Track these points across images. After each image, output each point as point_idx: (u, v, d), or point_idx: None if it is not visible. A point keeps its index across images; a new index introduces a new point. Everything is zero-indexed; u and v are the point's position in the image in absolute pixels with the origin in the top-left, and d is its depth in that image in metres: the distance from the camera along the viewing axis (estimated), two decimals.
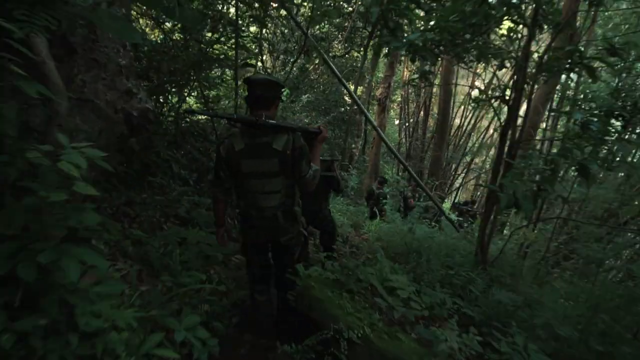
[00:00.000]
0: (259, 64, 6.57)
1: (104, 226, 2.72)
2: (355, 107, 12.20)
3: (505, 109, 4.74)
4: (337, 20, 11.23)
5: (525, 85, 4.44)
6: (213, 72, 6.61)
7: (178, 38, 5.60)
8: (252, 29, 7.44)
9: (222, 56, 5.53)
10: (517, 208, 2.72)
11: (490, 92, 4.95)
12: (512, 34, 4.39)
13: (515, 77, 4.61)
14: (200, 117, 7.02)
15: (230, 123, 2.24)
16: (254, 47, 6.97)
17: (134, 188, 3.50)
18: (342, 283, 2.55)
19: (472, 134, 18.02)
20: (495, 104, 6.21)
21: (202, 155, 5.31)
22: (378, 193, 9.85)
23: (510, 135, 4.27)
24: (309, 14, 7.36)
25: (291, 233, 2.45)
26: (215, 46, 5.87)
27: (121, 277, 2.22)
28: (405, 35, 4.84)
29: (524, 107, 5.19)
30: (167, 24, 5.72)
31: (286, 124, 2.26)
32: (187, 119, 6.36)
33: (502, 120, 4.56)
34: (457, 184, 18.83)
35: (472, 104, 5.05)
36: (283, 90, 2.45)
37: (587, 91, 8.07)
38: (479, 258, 4.41)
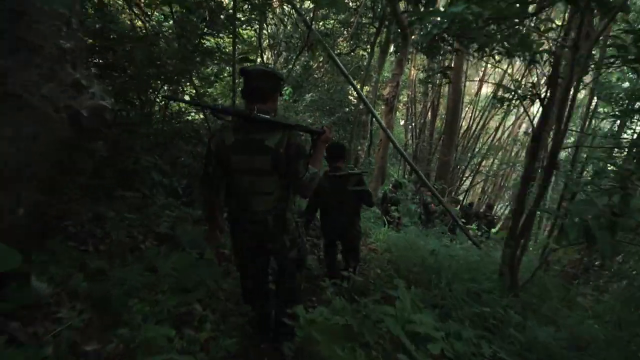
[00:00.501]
0: (259, 59, 6.01)
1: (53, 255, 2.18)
2: (362, 107, 11.63)
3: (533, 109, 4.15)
4: (343, 15, 10.66)
5: (561, 81, 3.88)
6: (209, 68, 6.06)
7: (167, 28, 5.05)
8: (254, 25, 6.90)
9: (217, 51, 4.98)
10: (588, 242, 2.10)
11: (520, 90, 4.36)
12: (548, 23, 3.81)
13: (551, 71, 4.01)
14: (194, 117, 6.46)
15: (219, 116, 2.12)
16: (253, 40, 6.42)
17: (105, 201, 2.95)
18: (355, 332, 1.98)
19: (481, 135, 17.41)
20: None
21: (194, 160, 4.75)
22: (391, 197, 9.29)
23: (553, 140, 3.67)
24: (313, 6, 6.80)
25: (281, 241, 2.24)
26: (210, 39, 5.32)
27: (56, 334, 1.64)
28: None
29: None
30: (156, 12, 5.16)
31: (281, 120, 2.10)
32: (178, 121, 5.82)
33: (533, 122, 3.96)
34: (464, 187, 18.27)
35: (496, 103, 4.42)
36: (283, 84, 2.26)
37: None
38: (506, 282, 3.83)
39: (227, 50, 5.91)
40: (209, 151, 2.15)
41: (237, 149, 2.06)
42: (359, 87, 9.55)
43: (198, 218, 4.06)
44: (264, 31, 5.95)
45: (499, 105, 16.83)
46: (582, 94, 10.09)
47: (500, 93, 4.23)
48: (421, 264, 4.50)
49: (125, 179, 3.23)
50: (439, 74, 13.50)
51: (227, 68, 6.14)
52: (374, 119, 14.96)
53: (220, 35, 5.42)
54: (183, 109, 6.17)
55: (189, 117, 5.90)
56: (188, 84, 5.04)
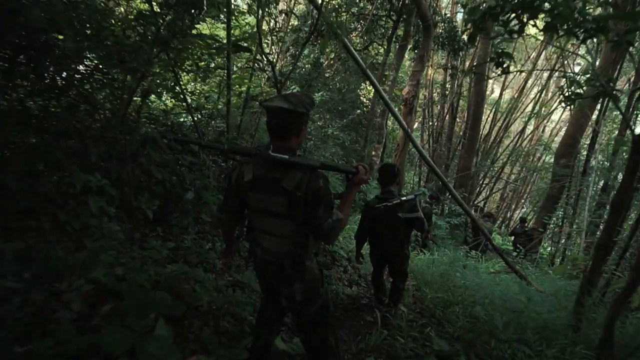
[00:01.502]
0: (258, 49, 4.99)
1: None
2: (376, 109, 10.58)
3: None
4: (356, 8, 9.64)
5: None
6: (202, 62, 5.06)
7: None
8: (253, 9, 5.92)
9: (204, 36, 3.96)
10: None
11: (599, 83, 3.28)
12: None
13: None
14: (183, 120, 5.48)
15: (230, 157, 2.09)
16: (252, 27, 5.41)
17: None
18: None
19: (502, 139, 16.24)
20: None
21: (174, 175, 3.74)
22: (424, 208, 8.23)
23: None
24: None
25: (295, 289, 2.01)
26: (202, 26, 4.35)
27: None
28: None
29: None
30: None
31: (300, 161, 1.85)
32: (161, 123, 4.83)
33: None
34: (483, 194, 17.10)
35: (562, 102, 3.34)
36: (310, 112, 1.97)
37: None
38: (600, 350, 2.74)
39: (221, 37, 4.94)
40: (229, 183, 2.06)
41: (254, 187, 1.95)
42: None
43: (171, 256, 3.06)
44: (267, 18, 4.94)
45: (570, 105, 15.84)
46: None
47: (565, 87, 3.07)
48: (465, 313, 3.44)
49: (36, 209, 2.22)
50: (459, 74, 12.44)
51: (221, 60, 5.15)
52: (388, 122, 13.94)
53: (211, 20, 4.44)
54: (168, 110, 5.19)
55: (169, 122, 4.89)
56: (166, 76, 4.04)
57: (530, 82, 15.68)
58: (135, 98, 4.73)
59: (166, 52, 3.65)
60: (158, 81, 4.27)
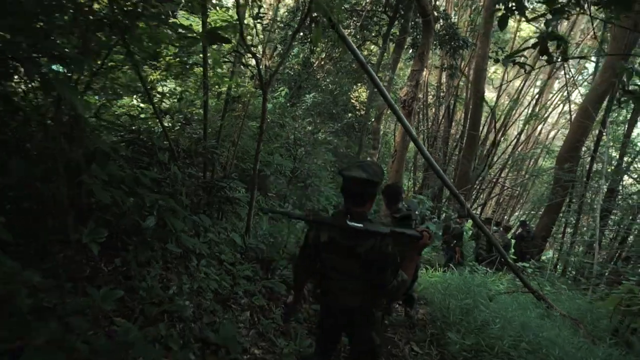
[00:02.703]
0: (240, 41, 4.21)
1: None
2: (373, 112, 9.87)
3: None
4: (349, 3, 8.92)
5: None
6: (171, 58, 4.27)
7: None
8: None
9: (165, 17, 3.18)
10: None
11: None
12: None
13: None
14: (148, 125, 4.67)
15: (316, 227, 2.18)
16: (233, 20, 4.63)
17: None
18: None
19: (500, 143, 15.66)
20: None
21: (131, 196, 2.93)
22: (454, 229, 7.98)
23: None
24: None
25: (368, 335, 2.22)
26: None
27: None
28: None
29: None
30: None
31: (375, 229, 1.97)
32: (129, 130, 4.04)
33: None
34: (480, 200, 16.49)
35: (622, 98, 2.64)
36: (380, 182, 2.07)
37: None
38: None
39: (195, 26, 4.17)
40: (307, 240, 2.21)
41: (329, 249, 2.09)
42: (366, 91, 7.78)
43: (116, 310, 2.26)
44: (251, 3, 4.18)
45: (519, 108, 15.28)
46: None
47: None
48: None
49: None
50: (456, 74, 11.81)
51: (198, 56, 4.37)
52: (381, 126, 13.29)
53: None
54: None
55: (137, 128, 4.10)
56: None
57: (527, 83, 15.14)
58: (93, 99, 3.96)
59: (123, 39, 2.86)
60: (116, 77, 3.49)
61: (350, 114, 11.46)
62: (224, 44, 3.86)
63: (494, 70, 17.32)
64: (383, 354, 3.40)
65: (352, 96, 12.19)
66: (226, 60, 4.36)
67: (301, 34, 9.11)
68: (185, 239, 2.97)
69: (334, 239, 2.06)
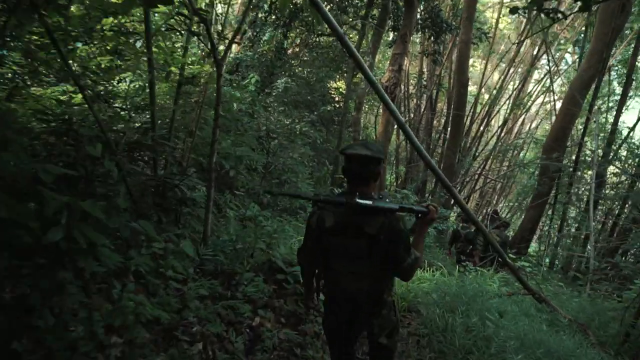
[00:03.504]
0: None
1: None
2: (352, 102, 9.18)
3: None
4: None
5: None
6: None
7: None
8: None
9: None
10: None
11: None
12: None
13: None
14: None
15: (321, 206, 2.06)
16: None
17: None
18: None
19: (484, 134, 15.23)
20: None
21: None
22: (466, 234, 7.41)
23: None
24: None
25: (379, 325, 2.15)
26: None
27: None
28: None
29: None
30: None
31: (383, 205, 1.91)
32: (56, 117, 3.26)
33: None
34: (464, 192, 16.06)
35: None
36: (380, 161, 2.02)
37: None
38: None
39: None
40: (310, 227, 2.12)
41: (335, 232, 2.02)
42: (346, 77, 7.12)
43: None
44: None
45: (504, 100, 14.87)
46: None
47: None
48: None
49: None
50: (439, 60, 11.24)
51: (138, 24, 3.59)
52: (364, 119, 12.59)
53: None
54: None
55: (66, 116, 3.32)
56: None
57: (510, 72, 14.71)
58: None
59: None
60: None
61: (329, 106, 10.81)
62: (166, 7, 3.09)
63: (472, 63, 16.86)
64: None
65: (330, 87, 11.51)
66: (171, 27, 3.58)
67: (273, 17, 8.36)
68: (107, 255, 2.21)
69: (340, 221, 1.99)
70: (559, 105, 14.06)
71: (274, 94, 7.42)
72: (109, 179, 3.13)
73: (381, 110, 8.91)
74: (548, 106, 16.52)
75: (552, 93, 13.36)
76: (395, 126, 15.21)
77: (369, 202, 1.89)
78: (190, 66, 3.87)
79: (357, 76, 9.04)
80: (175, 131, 4.13)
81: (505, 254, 5.32)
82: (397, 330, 2.23)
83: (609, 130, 10.90)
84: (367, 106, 16.26)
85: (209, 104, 4.80)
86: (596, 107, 10.49)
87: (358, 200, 1.88)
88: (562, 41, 15.22)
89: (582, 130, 11.01)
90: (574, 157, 11.28)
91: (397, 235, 1.93)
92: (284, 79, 7.59)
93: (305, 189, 7.61)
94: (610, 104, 12.52)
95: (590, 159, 10.24)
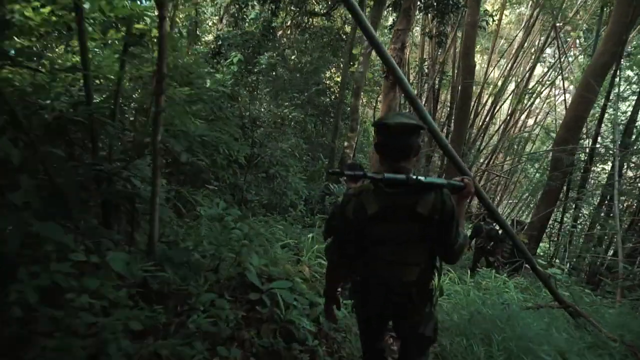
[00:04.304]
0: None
1: None
2: (350, 87, 8.26)
3: None
4: None
5: None
6: None
7: None
8: None
9: None
10: None
11: None
12: None
13: None
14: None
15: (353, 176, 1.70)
16: None
17: None
18: None
19: (490, 126, 14.35)
20: None
21: None
22: (489, 230, 7.15)
23: None
24: None
25: (424, 316, 1.90)
26: None
27: None
28: None
29: None
30: None
31: (436, 181, 1.73)
32: None
33: None
34: None
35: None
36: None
37: None
38: None
39: None
40: (345, 219, 1.79)
41: (382, 218, 1.73)
42: (342, 61, 6.23)
43: None
44: None
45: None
46: None
47: None
48: None
49: None
50: (444, 42, 10.34)
51: None
52: (361, 112, 11.61)
53: None
54: None
55: None
56: None
57: (518, 59, 13.82)
58: None
59: None
60: None
61: (324, 98, 9.92)
62: None
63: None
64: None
65: (325, 77, 10.61)
66: None
67: None
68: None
69: (387, 205, 1.71)
70: (568, 96, 13.30)
71: (255, 70, 6.48)
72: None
73: (381, 98, 7.99)
74: (560, 98, 15.72)
75: (562, 82, 12.51)
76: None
77: (423, 178, 1.67)
78: (135, 18, 2.95)
79: (353, 69, 8.15)
80: (122, 105, 3.21)
81: (533, 259, 4.44)
82: (437, 325, 1.97)
83: (627, 119, 10.05)
84: (364, 99, 15.38)
85: (179, 80, 3.89)
86: (614, 93, 9.58)
87: (419, 177, 1.67)
88: (570, 32, 14.38)
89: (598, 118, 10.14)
90: (587, 150, 10.47)
91: (450, 214, 1.73)
92: (267, 55, 6.65)
93: (297, 184, 6.71)
94: (627, 93, 11.63)
95: (610, 150, 9.42)
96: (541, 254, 10.98)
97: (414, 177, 1.65)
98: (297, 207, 6.72)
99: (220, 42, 6.71)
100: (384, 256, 1.80)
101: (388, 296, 1.85)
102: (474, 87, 11.82)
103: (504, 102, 14.81)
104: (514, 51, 14.17)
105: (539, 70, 16.16)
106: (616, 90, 9.66)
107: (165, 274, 2.37)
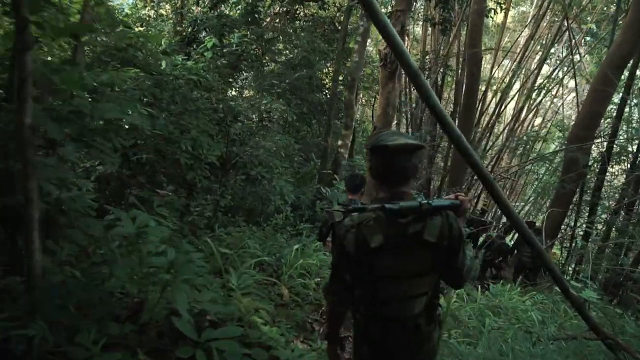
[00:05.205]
0: None
1: None
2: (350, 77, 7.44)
3: None
4: None
5: None
6: None
7: None
8: None
9: None
10: None
11: None
12: None
13: None
14: None
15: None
16: None
17: None
18: None
19: (496, 125, 13.53)
20: None
21: None
22: (500, 245, 7.07)
23: None
24: None
25: (432, 344, 1.75)
26: None
27: None
28: None
29: None
30: None
31: (442, 204, 1.60)
32: None
33: None
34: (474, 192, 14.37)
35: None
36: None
37: None
38: None
39: None
40: (344, 254, 1.61)
41: (387, 251, 1.55)
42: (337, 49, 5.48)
43: None
44: None
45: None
46: None
47: None
48: None
49: None
50: (449, 29, 9.51)
51: None
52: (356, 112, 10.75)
53: None
54: None
55: None
56: None
57: (527, 51, 13.01)
58: None
59: None
60: None
61: (322, 96, 9.15)
62: None
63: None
64: None
65: (321, 73, 9.83)
66: None
67: None
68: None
69: (394, 235, 1.54)
70: (581, 92, 12.47)
71: (225, 50, 5.64)
72: None
73: (379, 89, 7.17)
74: (572, 94, 14.92)
75: (573, 77, 11.69)
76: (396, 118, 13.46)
77: (431, 202, 1.54)
78: None
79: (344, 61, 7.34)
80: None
81: (558, 272, 3.59)
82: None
83: None
84: (363, 98, 14.59)
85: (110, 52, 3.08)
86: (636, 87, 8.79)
87: (430, 201, 1.54)
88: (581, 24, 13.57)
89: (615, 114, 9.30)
90: (603, 148, 9.65)
91: (459, 239, 1.59)
92: (240, 31, 5.81)
93: (282, 187, 5.88)
94: None
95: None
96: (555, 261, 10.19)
97: (426, 202, 1.53)
98: (282, 213, 5.91)
99: (196, 28, 5.92)
100: (391, 291, 1.64)
101: (397, 332, 1.67)
102: (479, 85, 11.04)
103: (511, 100, 14.03)
104: (521, 46, 13.38)
105: (547, 67, 15.45)
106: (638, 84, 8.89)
107: (36, 323, 1.54)
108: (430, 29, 12.27)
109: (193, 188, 4.90)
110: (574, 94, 13.74)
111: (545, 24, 13.47)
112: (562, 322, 4.74)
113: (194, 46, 6.08)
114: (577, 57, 12.07)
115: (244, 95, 7.20)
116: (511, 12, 15.50)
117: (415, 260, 1.58)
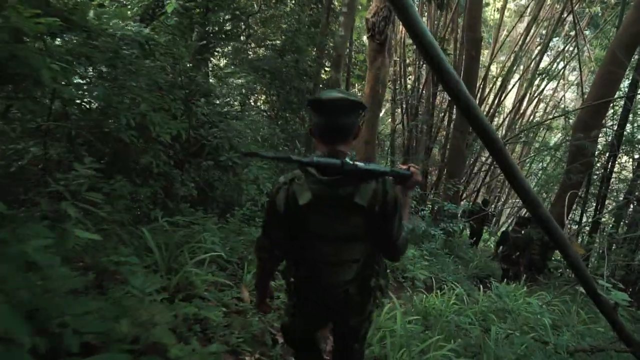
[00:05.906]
0: None
1: None
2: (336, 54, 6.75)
3: None
4: None
5: None
6: None
7: None
8: None
9: None
10: None
11: None
12: None
13: None
14: None
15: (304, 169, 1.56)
16: None
17: None
18: None
19: (496, 114, 12.86)
20: None
21: None
22: (515, 238, 6.59)
23: None
24: None
25: (365, 315, 1.77)
26: None
27: None
28: None
29: None
30: None
31: (379, 169, 1.53)
32: None
33: None
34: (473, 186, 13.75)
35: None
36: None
37: None
38: None
39: None
40: (273, 210, 1.59)
41: (315, 210, 1.54)
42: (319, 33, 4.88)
43: None
44: None
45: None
46: None
47: None
48: None
49: None
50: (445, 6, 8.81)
51: None
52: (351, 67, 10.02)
53: None
54: None
55: None
56: None
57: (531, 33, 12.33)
58: None
59: None
60: None
61: (311, 83, 8.44)
62: None
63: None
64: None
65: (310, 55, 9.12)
66: None
67: None
68: None
69: (321, 194, 1.51)
70: (585, 78, 11.85)
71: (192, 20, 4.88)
72: None
73: (367, 65, 6.41)
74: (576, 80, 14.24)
75: (577, 62, 11.01)
76: (389, 108, 12.72)
77: (363, 164, 1.47)
78: None
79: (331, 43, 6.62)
80: None
81: (586, 270, 2.90)
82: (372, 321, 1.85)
83: None
84: (357, 85, 13.87)
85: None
86: None
87: (356, 162, 1.46)
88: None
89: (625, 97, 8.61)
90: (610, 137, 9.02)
91: (393, 205, 1.56)
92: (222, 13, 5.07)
93: (257, 174, 5.18)
94: None
95: None
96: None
97: (351, 162, 1.44)
98: (258, 204, 5.22)
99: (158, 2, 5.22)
100: (322, 253, 1.62)
101: (326, 297, 1.69)
102: (479, 67, 10.34)
103: (510, 89, 13.36)
104: (521, 30, 12.71)
105: (547, 59, 14.82)
106: None
107: None
108: (426, 13, 11.61)
109: (150, 174, 4.22)
110: (575, 86, 13.19)
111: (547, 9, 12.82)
112: (578, 328, 4.07)
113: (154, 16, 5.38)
114: (581, 41, 11.45)
115: (220, 73, 6.49)
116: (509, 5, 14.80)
117: (346, 224, 1.55)
